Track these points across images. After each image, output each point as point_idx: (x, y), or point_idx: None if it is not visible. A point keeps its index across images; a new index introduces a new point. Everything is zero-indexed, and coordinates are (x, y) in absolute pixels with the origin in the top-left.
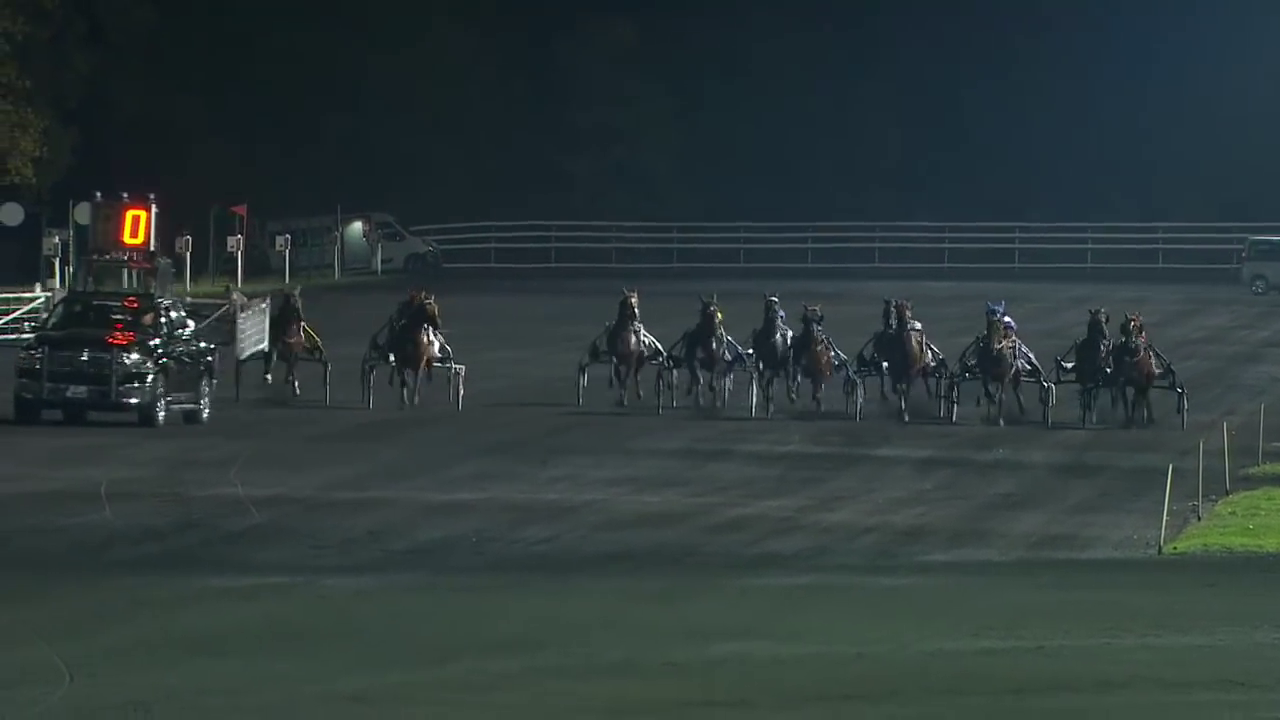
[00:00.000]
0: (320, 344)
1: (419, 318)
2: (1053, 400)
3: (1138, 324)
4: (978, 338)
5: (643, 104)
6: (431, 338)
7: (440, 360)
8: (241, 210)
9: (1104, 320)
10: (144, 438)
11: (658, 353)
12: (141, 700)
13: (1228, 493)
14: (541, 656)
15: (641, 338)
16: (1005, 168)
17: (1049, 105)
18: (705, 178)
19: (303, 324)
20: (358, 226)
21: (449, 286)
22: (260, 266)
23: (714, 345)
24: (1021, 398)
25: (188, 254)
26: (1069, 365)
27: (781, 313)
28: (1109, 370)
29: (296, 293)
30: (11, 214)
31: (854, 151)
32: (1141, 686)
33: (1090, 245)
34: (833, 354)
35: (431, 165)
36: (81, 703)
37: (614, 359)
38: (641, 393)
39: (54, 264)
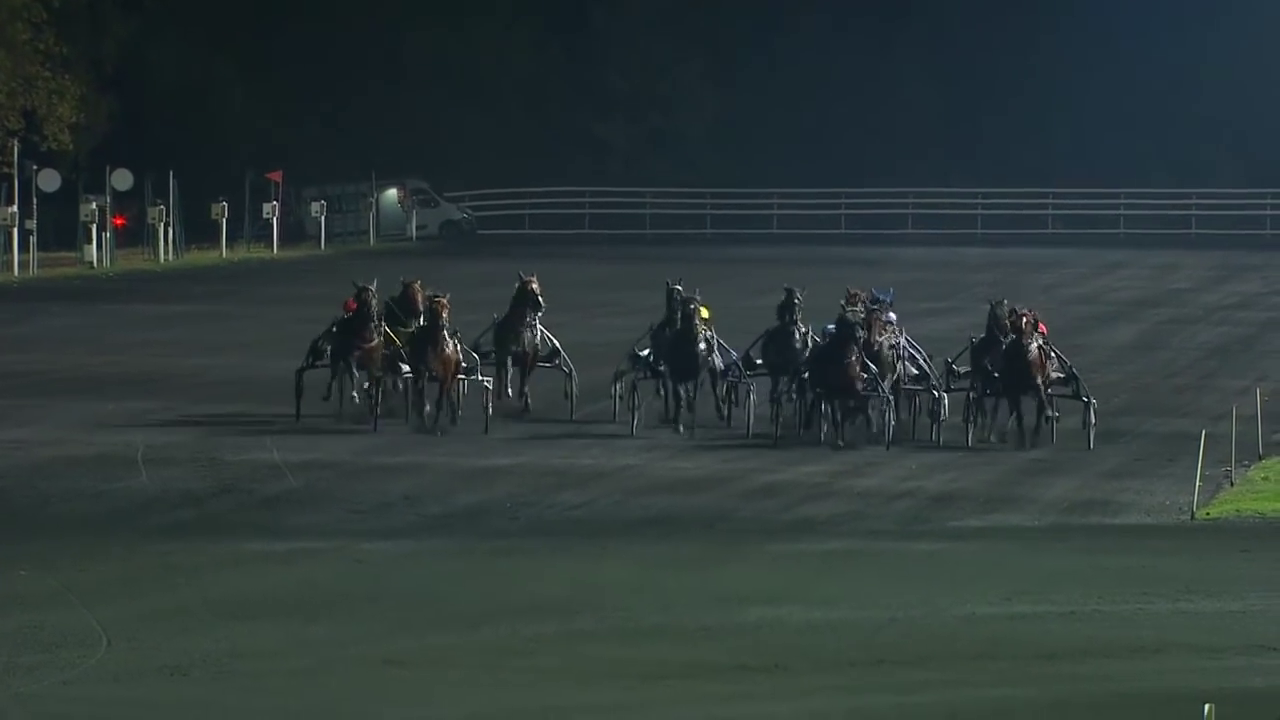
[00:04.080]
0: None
1: (435, 320)
2: (944, 413)
3: (1030, 320)
4: (802, 338)
5: (677, 70)
6: (454, 343)
7: (466, 370)
8: (277, 176)
9: (1007, 315)
10: (179, 403)
11: (555, 353)
12: (178, 664)
13: (1260, 458)
14: (576, 621)
15: (536, 333)
16: (1039, 134)
17: (1083, 72)
18: (739, 144)
19: (383, 325)
20: (393, 193)
21: (483, 252)
22: (295, 233)
23: (699, 349)
24: (885, 415)
25: (223, 220)
26: (962, 370)
27: (694, 304)
28: (995, 375)
29: (373, 287)
30: (49, 180)
31: (888, 118)
32: (1173, 651)
33: (1123, 211)
34: (905, 363)
35: (466, 132)
36: (119, 666)
37: (508, 360)
38: (530, 402)
39: (91, 230)
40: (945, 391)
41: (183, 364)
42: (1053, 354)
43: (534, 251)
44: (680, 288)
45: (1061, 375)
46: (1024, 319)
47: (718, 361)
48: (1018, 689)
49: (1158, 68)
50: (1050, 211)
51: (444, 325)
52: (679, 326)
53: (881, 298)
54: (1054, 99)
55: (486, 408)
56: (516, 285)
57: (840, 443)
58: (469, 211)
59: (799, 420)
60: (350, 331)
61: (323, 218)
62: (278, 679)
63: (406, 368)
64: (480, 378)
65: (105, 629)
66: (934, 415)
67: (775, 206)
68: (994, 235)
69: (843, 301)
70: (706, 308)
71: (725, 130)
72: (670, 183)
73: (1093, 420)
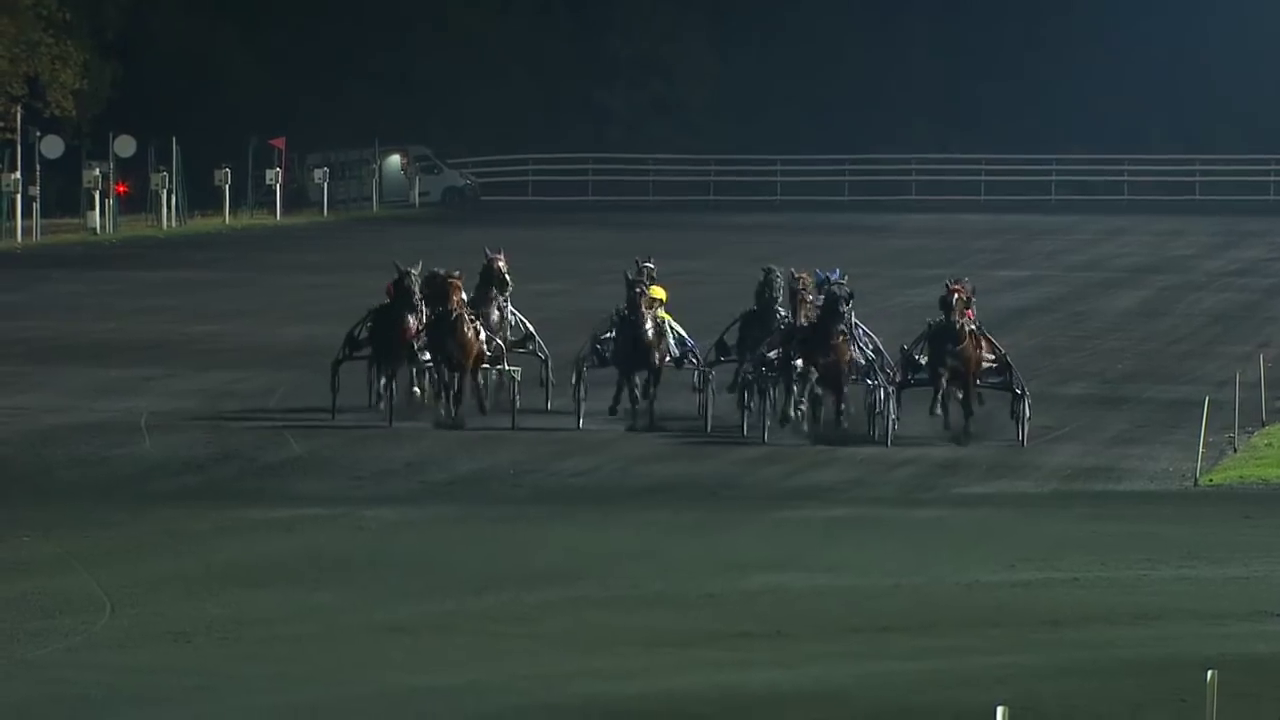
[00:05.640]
0: None
1: (448, 304)
2: (891, 410)
3: (962, 297)
4: (781, 321)
5: (680, 36)
6: (476, 329)
7: (491, 360)
8: (280, 143)
9: (968, 297)
10: (182, 370)
11: (529, 337)
12: (181, 631)
13: (1264, 424)
14: (580, 587)
15: (508, 315)
16: (1043, 100)
17: (1086, 38)
18: (742, 110)
19: (423, 310)
20: (395, 159)
21: (486, 219)
22: (298, 199)
23: (646, 337)
24: (888, 407)
25: (226, 187)
26: (924, 360)
27: (640, 288)
28: (922, 361)
29: (415, 272)
30: (52, 146)
31: (892, 84)
32: (1177, 618)
33: (1127, 178)
34: (858, 349)
35: (469, 98)
36: (122, 633)
37: None
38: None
39: (94, 197)
40: (896, 385)
41: (186, 330)
42: (983, 339)
43: (536, 218)
44: (651, 264)
45: (994, 362)
46: (954, 294)
47: (672, 347)
48: (1021, 656)
49: (1162, 34)
50: (1054, 178)
51: (459, 308)
52: (625, 312)
53: (829, 278)
54: (1057, 65)
55: (515, 400)
56: (483, 263)
57: (842, 424)
58: (472, 178)
59: (762, 409)
60: (390, 324)
61: (325, 184)
62: (281, 645)
63: (426, 356)
64: (507, 367)
65: (109, 595)
66: (869, 409)
67: (778, 174)
68: (997, 202)
69: (812, 275)
70: (661, 288)
71: (728, 97)
72: (673, 149)
73: (1026, 414)
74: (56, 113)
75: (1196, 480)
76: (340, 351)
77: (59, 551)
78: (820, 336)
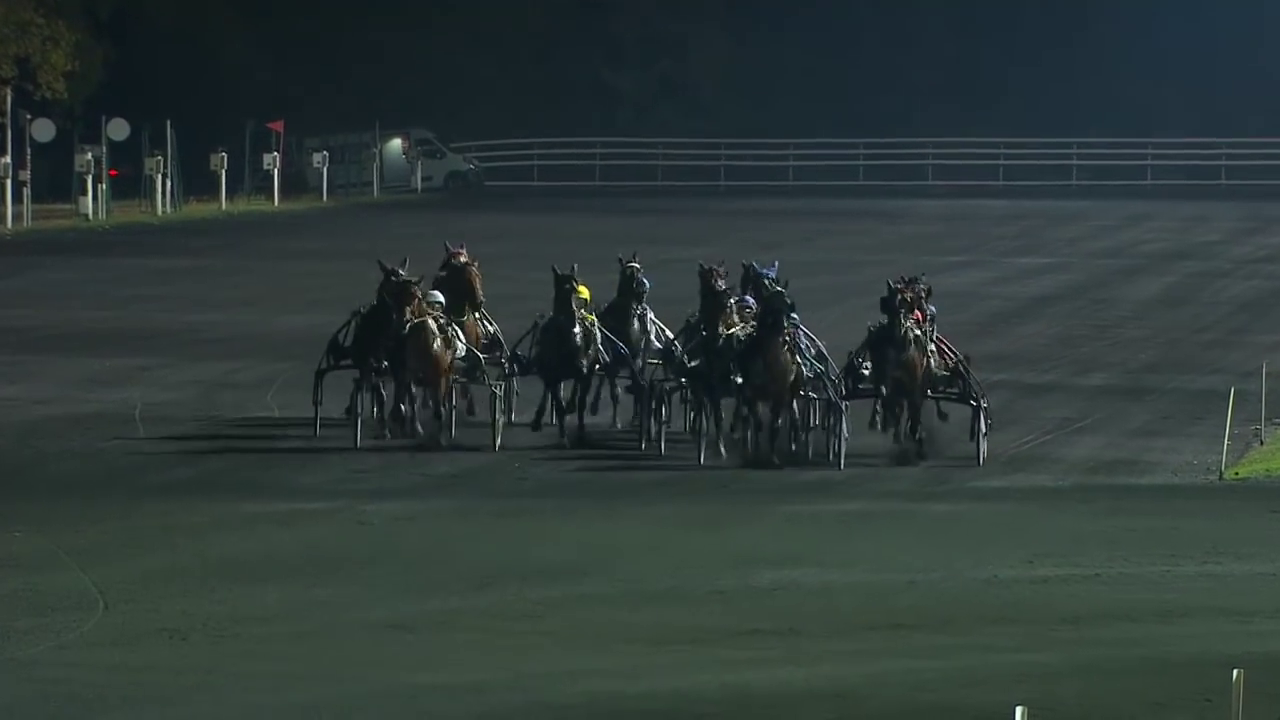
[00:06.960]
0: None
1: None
2: (844, 427)
3: (907, 298)
4: (696, 321)
5: (690, 16)
6: (445, 338)
7: (466, 372)
8: (278, 126)
9: (923, 297)
10: (177, 360)
11: (496, 344)
12: (177, 628)
13: None
14: (586, 583)
15: (477, 320)
16: (1064, 82)
17: (1107, 17)
18: (753, 93)
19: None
20: (397, 143)
21: (490, 205)
22: (297, 184)
23: (574, 341)
24: (839, 426)
25: (223, 171)
26: (868, 368)
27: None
28: (865, 371)
29: (405, 270)
30: (43, 130)
31: (908, 66)
32: (1201, 615)
33: (1150, 162)
34: (808, 361)
35: (473, 80)
36: (116, 629)
37: None
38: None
39: (86, 181)
40: (844, 398)
41: (181, 319)
42: (933, 345)
43: (542, 203)
44: (637, 264)
45: (947, 371)
46: (899, 295)
47: (603, 353)
48: (1040, 654)
49: (1185, 13)
50: (1075, 162)
51: (415, 316)
52: (555, 315)
53: (766, 273)
54: (1078, 46)
55: (496, 418)
56: (443, 259)
57: (775, 460)
58: (476, 162)
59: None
60: (376, 328)
61: (325, 169)
62: (280, 643)
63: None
64: (489, 382)
65: (102, 591)
66: (801, 426)
67: (791, 157)
68: (1016, 187)
69: (769, 276)
70: (584, 288)
71: (740, 78)
72: (684, 133)
73: (983, 429)
74: (47, 95)
75: (1221, 474)
76: (324, 360)
77: (50, 546)
78: (762, 349)
